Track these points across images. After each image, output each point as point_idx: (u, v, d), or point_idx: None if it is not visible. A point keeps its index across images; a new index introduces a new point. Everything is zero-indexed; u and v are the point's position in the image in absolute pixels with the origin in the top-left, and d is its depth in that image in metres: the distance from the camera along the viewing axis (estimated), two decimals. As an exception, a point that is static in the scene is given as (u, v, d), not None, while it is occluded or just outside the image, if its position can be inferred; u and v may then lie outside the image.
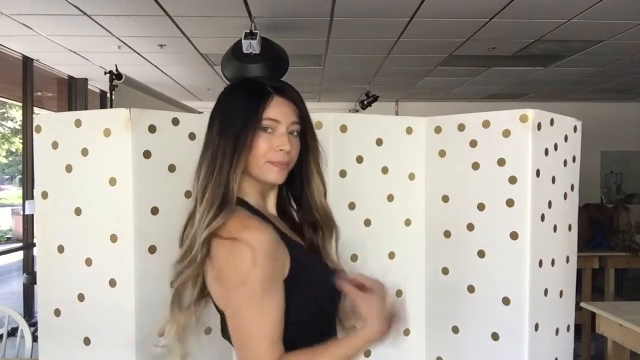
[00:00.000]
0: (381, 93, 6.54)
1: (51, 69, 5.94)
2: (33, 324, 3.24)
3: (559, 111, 1.68)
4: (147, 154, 1.52)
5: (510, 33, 4.40)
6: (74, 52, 5.15)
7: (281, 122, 1.08)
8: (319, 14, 3.91)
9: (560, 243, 1.71)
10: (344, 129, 1.69)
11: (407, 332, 1.77)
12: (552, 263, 1.66)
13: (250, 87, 1.12)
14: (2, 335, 2.55)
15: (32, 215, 5.03)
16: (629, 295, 5.12)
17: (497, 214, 1.61)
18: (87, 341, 1.57)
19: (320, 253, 1.17)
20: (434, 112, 2.08)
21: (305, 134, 1.13)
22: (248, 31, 3.68)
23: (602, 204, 5.77)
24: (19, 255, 5.93)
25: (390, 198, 1.75)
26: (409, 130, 1.76)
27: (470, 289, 1.67)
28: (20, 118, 5.87)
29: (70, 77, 6.36)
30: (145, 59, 5.35)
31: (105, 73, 3.52)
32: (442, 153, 1.73)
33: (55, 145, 1.59)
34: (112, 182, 1.52)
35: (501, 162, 1.60)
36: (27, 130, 5.35)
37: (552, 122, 1.64)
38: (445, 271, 1.73)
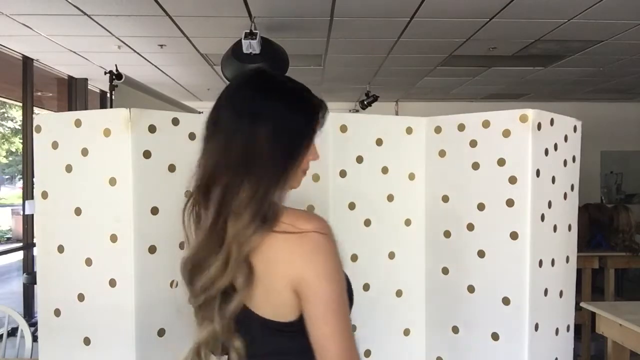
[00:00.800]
0: (381, 93, 6.55)
1: (51, 69, 5.94)
2: (33, 324, 3.25)
3: (559, 111, 1.68)
4: (147, 154, 1.52)
5: (510, 33, 4.40)
6: (74, 52, 5.16)
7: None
8: (319, 14, 3.91)
9: (560, 243, 1.71)
10: (344, 129, 1.69)
11: (407, 332, 1.77)
12: (552, 263, 1.66)
13: (308, 97, 1.07)
14: (2, 335, 2.55)
15: (32, 215, 5.03)
16: (629, 295, 5.12)
17: (497, 214, 1.61)
18: (87, 341, 1.57)
19: None
20: (434, 112, 2.08)
21: None
22: (248, 31, 3.68)
23: (602, 204, 5.77)
24: (19, 255, 5.93)
25: (390, 198, 1.75)
26: (409, 130, 1.76)
27: (470, 289, 1.67)
28: (20, 118, 5.87)
29: (70, 77, 6.36)
30: (145, 59, 5.36)
31: (105, 73, 3.52)
32: (442, 153, 1.73)
33: (55, 145, 1.59)
34: (112, 182, 1.52)
35: (501, 162, 1.60)
36: (27, 130, 5.35)
37: (552, 122, 1.64)
38: (445, 271, 1.73)
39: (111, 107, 3.53)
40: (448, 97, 7.68)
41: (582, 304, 2.97)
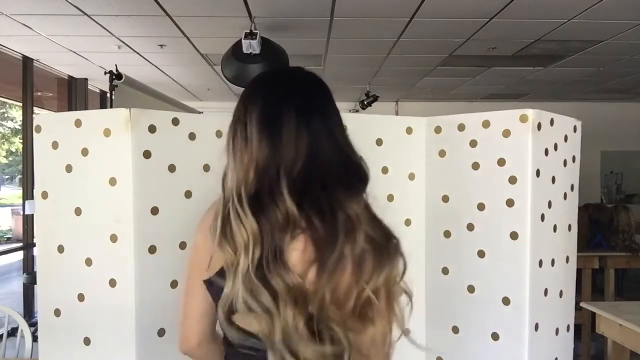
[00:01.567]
0: (381, 93, 6.55)
1: (51, 69, 5.95)
2: (33, 324, 3.25)
3: (559, 111, 1.68)
4: (147, 154, 1.52)
5: (510, 33, 4.40)
6: (74, 52, 5.16)
7: None
8: (319, 14, 3.92)
9: (560, 243, 1.71)
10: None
11: (407, 332, 1.77)
12: (552, 263, 1.66)
13: None
14: (2, 335, 2.55)
15: (32, 215, 5.03)
16: (629, 295, 5.13)
17: (497, 214, 1.61)
18: (87, 341, 1.57)
19: None
20: (434, 112, 2.08)
21: None
22: (248, 31, 3.68)
23: (602, 204, 5.77)
24: (19, 255, 5.94)
25: (390, 198, 1.75)
26: (409, 130, 1.76)
27: (470, 289, 1.67)
28: (20, 118, 5.87)
29: (70, 77, 6.36)
30: (145, 59, 5.36)
31: (105, 73, 3.52)
32: (442, 153, 1.73)
33: (55, 145, 1.59)
34: (112, 182, 1.52)
35: (501, 162, 1.60)
36: (27, 130, 5.35)
37: (552, 122, 1.64)
38: (445, 271, 1.73)
39: (111, 107, 3.53)
40: (448, 97, 7.68)
41: (582, 304, 2.97)
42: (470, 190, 1.67)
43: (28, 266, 5.45)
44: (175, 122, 1.58)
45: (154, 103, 4.03)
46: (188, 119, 1.63)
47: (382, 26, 4.24)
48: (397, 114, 8.00)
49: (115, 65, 3.50)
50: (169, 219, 1.55)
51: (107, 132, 1.52)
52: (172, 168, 1.57)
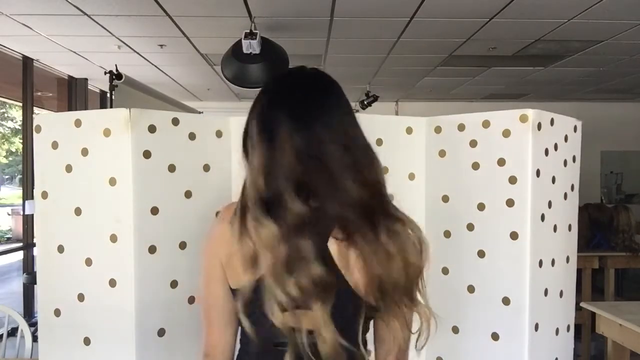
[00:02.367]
0: (381, 93, 6.55)
1: (51, 69, 5.95)
2: (33, 324, 3.25)
3: (559, 111, 1.68)
4: (147, 154, 1.52)
5: (510, 33, 4.40)
6: (74, 52, 5.16)
7: None
8: (319, 14, 3.92)
9: (560, 243, 1.71)
10: (344, 129, 1.69)
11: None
12: (552, 263, 1.66)
13: None
14: (2, 335, 2.55)
15: (32, 215, 5.03)
16: (629, 295, 5.13)
17: (497, 214, 1.61)
18: (87, 341, 1.57)
19: None
20: (434, 112, 2.08)
21: None
22: (248, 31, 3.68)
23: (602, 204, 5.77)
24: (19, 255, 5.94)
25: (390, 198, 1.75)
26: (409, 130, 1.76)
27: (470, 289, 1.67)
28: (20, 118, 5.87)
29: (70, 77, 6.36)
30: (145, 59, 5.36)
31: (105, 73, 3.52)
32: (442, 153, 1.73)
33: (55, 145, 1.59)
34: (112, 182, 1.52)
35: (501, 162, 1.60)
36: (27, 130, 5.35)
37: (552, 122, 1.64)
38: (445, 271, 1.73)
39: (111, 107, 3.53)
40: (448, 97, 7.68)
41: (582, 304, 2.97)
42: (470, 190, 1.67)
43: (28, 266, 5.45)
44: (175, 122, 1.58)
45: (154, 103, 4.03)
46: (188, 119, 1.63)
47: (382, 26, 4.24)
48: (397, 114, 8.00)
49: (115, 65, 3.50)
50: (169, 219, 1.55)
51: (107, 132, 1.52)
52: (172, 168, 1.57)
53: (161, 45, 4.86)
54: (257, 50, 3.74)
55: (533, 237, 1.56)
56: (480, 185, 1.65)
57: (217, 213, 1.16)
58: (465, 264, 1.68)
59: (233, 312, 1.08)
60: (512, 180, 1.58)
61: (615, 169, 8.38)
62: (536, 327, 1.59)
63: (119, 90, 3.45)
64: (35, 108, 5.58)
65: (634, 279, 5.60)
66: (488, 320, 1.63)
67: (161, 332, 1.56)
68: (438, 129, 1.74)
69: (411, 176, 1.76)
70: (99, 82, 6.70)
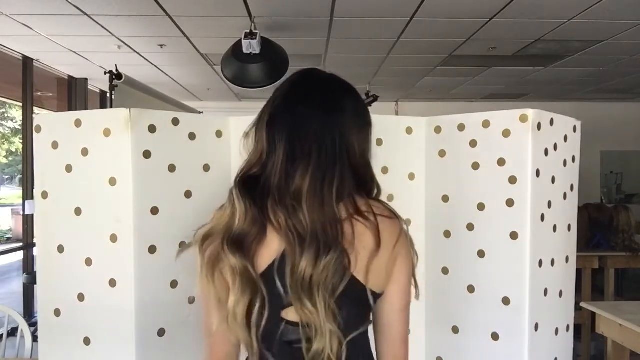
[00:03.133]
0: (381, 93, 6.54)
1: (51, 69, 5.95)
2: (33, 324, 3.25)
3: (559, 111, 1.68)
4: (147, 154, 1.52)
5: (510, 33, 4.40)
6: (74, 52, 5.16)
7: None
8: (319, 14, 3.92)
9: (560, 243, 1.71)
10: (344, 129, 1.69)
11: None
12: (552, 263, 1.66)
13: None
14: (2, 335, 2.55)
15: (32, 215, 5.03)
16: (629, 295, 5.13)
17: (497, 214, 1.61)
18: (87, 341, 1.57)
19: None
20: (434, 112, 2.08)
21: None
22: (248, 31, 3.68)
23: (602, 204, 5.78)
24: (19, 255, 5.94)
25: (390, 198, 1.74)
26: (409, 130, 1.76)
27: (470, 289, 1.67)
28: (20, 118, 5.87)
29: (70, 77, 6.36)
30: (145, 59, 5.36)
31: (105, 73, 3.52)
32: (442, 153, 1.73)
33: (55, 145, 1.59)
34: (112, 182, 1.52)
35: (501, 162, 1.60)
36: (27, 130, 5.35)
37: (552, 122, 1.64)
38: (445, 271, 1.73)
39: (111, 107, 3.53)
40: (448, 97, 7.68)
41: (582, 304, 2.97)
42: (470, 190, 1.67)
43: (28, 266, 5.45)
44: (175, 122, 1.58)
45: (154, 103, 4.04)
46: (188, 119, 1.63)
47: (382, 26, 4.24)
48: (397, 114, 8.00)
49: (115, 65, 3.50)
50: (169, 219, 1.55)
51: (107, 132, 1.52)
52: (172, 168, 1.57)
53: (161, 45, 4.86)
54: (257, 50, 3.74)
55: (533, 237, 1.56)
56: (480, 185, 1.65)
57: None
58: (465, 264, 1.68)
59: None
60: (512, 180, 1.58)
61: (615, 169, 8.38)
62: (536, 327, 1.59)
63: (119, 90, 3.45)
64: (35, 108, 5.58)
65: (634, 279, 5.60)
66: (488, 320, 1.63)
67: (161, 332, 1.56)
68: (438, 129, 1.74)
69: (411, 176, 1.76)
70: (99, 82, 6.70)
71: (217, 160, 1.64)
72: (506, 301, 1.59)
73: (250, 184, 1.06)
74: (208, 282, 1.06)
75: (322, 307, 0.98)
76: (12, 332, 3.38)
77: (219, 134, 1.66)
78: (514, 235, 1.58)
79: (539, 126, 1.57)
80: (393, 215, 1.10)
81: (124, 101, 3.44)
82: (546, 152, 1.61)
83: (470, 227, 1.67)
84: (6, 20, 4.07)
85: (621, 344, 2.59)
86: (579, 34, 4.42)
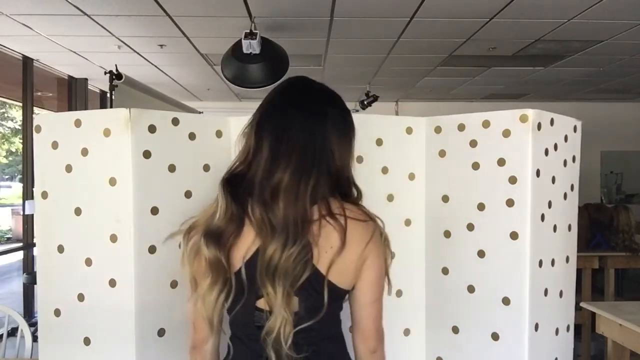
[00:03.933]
0: (381, 93, 6.55)
1: (51, 69, 5.95)
2: (33, 324, 3.25)
3: (559, 111, 1.68)
4: (147, 154, 1.52)
5: (510, 33, 4.40)
6: (74, 52, 5.16)
7: None
8: (319, 14, 3.92)
9: (560, 243, 1.71)
10: (344, 129, 1.69)
11: (407, 332, 1.77)
12: (552, 263, 1.66)
13: None
14: (2, 335, 2.55)
15: (32, 215, 5.03)
16: (629, 295, 5.13)
17: (497, 214, 1.61)
18: (87, 341, 1.57)
19: None
20: (434, 112, 2.08)
21: None
22: (248, 31, 3.68)
23: (602, 204, 5.77)
24: (19, 255, 5.94)
25: (390, 198, 1.75)
26: (409, 130, 1.76)
27: (470, 289, 1.67)
28: (20, 118, 5.87)
29: (70, 77, 6.36)
30: (145, 59, 5.36)
31: (105, 73, 3.52)
32: (442, 153, 1.73)
33: (55, 145, 1.59)
34: (112, 182, 1.52)
35: (501, 162, 1.60)
36: (27, 130, 5.35)
37: (552, 122, 1.64)
38: (445, 271, 1.73)
39: (111, 107, 3.53)
40: (448, 97, 7.68)
41: (582, 304, 2.97)
42: (470, 190, 1.67)
43: (28, 266, 5.45)
44: (175, 122, 1.58)
45: (154, 103, 4.04)
46: (188, 119, 1.63)
47: (382, 26, 4.24)
48: (397, 114, 8.00)
49: (115, 65, 3.50)
50: (169, 219, 1.55)
51: (107, 132, 1.52)
52: (172, 168, 1.57)
53: (161, 45, 4.86)
54: (257, 50, 3.74)
55: (533, 237, 1.56)
56: (480, 185, 1.65)
57: None
58: (465, 264, 1.68)
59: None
60: (512, 180, 1.58)
61: (615, 169, 8.38)
62: (536, 327, 1.59)
63: (119, 90, 3.45)
64: (35, 108, 5.58)
65: (634, 279, 5.60)
66: (488, 320, 1.63)
67: (161, 332, 1.56)
68: (438, 129, 1.74)
69: (411, 176, 1.76)
70: (99, 82, 6.70)
71: (217, 160, 1.64)
72: (506, 301, 1.59)
73: (235, 181, 1.16)
74: (187, 265, 1.17)
75: (280, 293, 1.07)
76: (12, 332, 3.38)
77: (219, 134, 1.66)
78: (514, 235, 1.58)
79: (539, 126, 1.57)
80: (368, 218, 1.16)
81: (124, 101, 3.44)
82: (546, 152, 1.61)
83: (470, 227, 1.67)
84: (6, 20, 4.07)
85: (621, 344, 2.59)
86: (579, 34, 4.42)
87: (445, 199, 1.72)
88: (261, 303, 1.14)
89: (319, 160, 1.13)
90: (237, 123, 1.66)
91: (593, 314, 2.87)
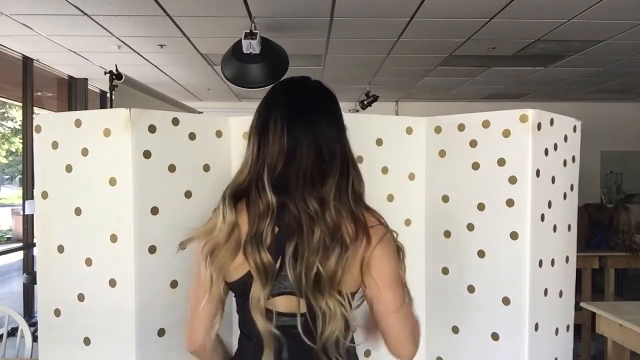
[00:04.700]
0: (381, 93, 6.55)
1: (51, 69, 5.95)
2: (33, 324, 3.25)
3: (559, 111, 1.68)
4: (147, 154, 1.52)
5: (510, 33, 4.40)
6: (74, 52, 5.16)
7: None
8: (319, 14, 3.92)
9: (560, 243, 1.71)
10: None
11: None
12: (552, 263, 1.66)
13: None
14: (2, 335, 2.55)
15: (32, 215, 5.03)
16: (629, 295, 5.13)
17: (497, 214, 1.61)
18: (87, 341, 1.57)
19: None
20: (434, 112, 2.08)
21: None
22: (248, 31, 3.68)
23: (602, 204, 5.77)
24: (19, 255, 5.94)
25: (390, 198, 1.75)
26: (409, 130, 1.76)
27: (470, 289, 1.67)
28: (20, 118, 5.87)
29: (70, 77, 6.36)
30: (145, 59, 5.36)
31: (105, 73, 3.52)
32: (442, 153, 1.73)
33: (55, 145, 1.59)
34: (112, 182, 1.52)
35: (501, 162, 1.60)
36: (27, 130, 5.35)
37: (552, 122, 1.64)
38: (445, 271, 1.73)
39: (111, 107, 3.53)
40: (448, 97, 7.68)
41: (582, 304, 2.97)
42: (470, 190, 1.67)
43: (28, 266, 5.45)
44: (175, 122, 1.58)
45: (154, 103, 4.04)
46: (188, 119, 1.63)
47: (382, 26, 4.24)
48: (397, 114, 8.00)
49: (115, 65, 3.50)
50: (169, 219, 1.55)
51: (107, 132, 1.52)
52: (172, 168, 1.57)
53: (161, 45, 4.86)
54: (257, 50, 3.74)
55: (533, 237, 1.56)
56: (480, 185, 1.65)
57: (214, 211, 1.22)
58: (465, 264, 1.68)
59: (219, 301, 1.21)
60: (512, 180, 1.58)
61: (615, 169, 8.38)
62: (536, 327, 1.59)
63: (119, 90, 3.45)
64: (35, 108, 5.58)
65: (634, 279, 5.60)
66: (488, 320, 1.63)
67: (161, 332, 1.56)
68: (438, 129, 1.74)
69: (411, 176, 1.76)
70: (99, 82, 6.70)
71: (217, 160, 1.64)
72: (506, 301, 1.59)
73: (237, 194, 1.16)
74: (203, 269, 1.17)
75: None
76: (12, 332, 3.38)
77: (219, 134, 1.66)
78: (514, 235, 1.58)
79: (539, 126, 1.57)
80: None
81: (124, 101, 3.44)
82: (546, 152, 1.61)
83: (470, 227, 1.67)
84: (6, 20, 4.07)
85: (621, 344, 2.59)
86: (579, 34, 4.42)
87: (445, 199, 1.72)
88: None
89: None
90: (237, 123, 1.66)
91: (593, 314, 2.87)
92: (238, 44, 3.77)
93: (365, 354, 1.70)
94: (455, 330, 1.71)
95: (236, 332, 1.31)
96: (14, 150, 14.89)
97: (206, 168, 1.62)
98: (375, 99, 6.43)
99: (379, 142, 1.73)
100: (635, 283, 5.58)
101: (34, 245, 5.08)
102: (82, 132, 1.56)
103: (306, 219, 1.10)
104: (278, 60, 3.89)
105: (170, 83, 6.54)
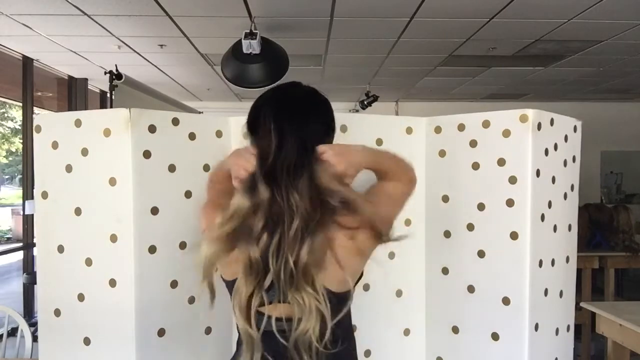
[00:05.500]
0: (381, 93, 6.54)
1: (51, 69, 5.94)
2: (33, 324, 3.25)
3: (559, 111, 1.68)
4: (147, 154, 1.52)
5: (510, 33, 4.40)
6: (74, 52, 5.16)
7: None
8: (319, 14, 3.92)
9: (560, 243, 1.71)
10: (344, 129, 1.69)
11: (407, 332, 1.77)
12: (552, 263, 1.66)
13: None
14: (2, 335, 2.55)
15: (32, 215, 5.03)
16: (629, 295, 5.13)
17: (497, 214, 1.61)
18: (87, 341, 1.57)
19: None
20: (434, 112, 2.08)
21: None
22: (248, 31, 3.68)
23: (602, 204, 5.77)
24: (19, 255, 5.94)
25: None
26: (409, 130, 1.76)
27: (470, 289, 1.67)
28: (20, 118, 5.87)
29: (70, 77, 6.36)
30: (145, 59, 5.36)
31: (105, 73, 3.52)
32: (442, 153, 1.73)
33: (55, 145, 1.59)
34: (112, 182, 1.52)
35: (501, 162, 1.60)
36: (27, 130, 5.35)
37: (552, 122, 1.64)
38: (445, 271, 1.73)
39: (111, 107, 3.53)
40: (448, 97, 7.68)
41: (582, 304, 2.97)
42: (470, 190, 1.67)
43: (28, 266, 5.44)
44: (175, 122, 1.58)
45: (154, 103, 4.03)
46: (188, 119, 1.63)
47: (382, 26, 4.24)
48: (397, 114, 8.00)
49: (115, 65, 3.50)
50: (169, 219, 1.55)
51: (107, 132, 1.52)
52: (172, 168, 1.57)
53: (161, 45, 4.86)
54: (257, 50, 3.74)
55: (533, 237, 1.56)
56: (480, 185, 1.65)
57: None
58: (465, 264, 1.68)
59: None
60: (512, 180, 1.58)
61: (615, 169, 8.37)
62: (536, 327, 1.59)
63: (119, 90, 3.45)
64: (35, 108, 5.58)
65: (634, 279, 5.60)
66: (488, 320, 1.63)
67: (161, 332, 1.56)
68: (438, 129, 1.74)
69: (411, 176, 1.76)
70: (99, 82, 6.70)
71: (217, 160, 1.64)
72: (506, 301, 1.59)
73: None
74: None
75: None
76: (12, 332, 3.38)
77: (219, 134, 1.66)
78: (514, 235, 1.58)
79: (539, 126, 1.57)
80: None
81: (124, 101, 3.43)
82: (546, 152, 1.61)
83: (470, 227, 1.67)
84: (6, 20, 4.07)
85: (621, 344, 2.59)
86: (579, 34, 4.42)
87: (445, 199, 1.72)
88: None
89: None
90: (237, 123, 1.66)
91: (593, 314, 2.87)
92: (238, 44, 3.77)
93: (365, 354, 1.70)
94: (455, 330, 1.71)
95: (236, 333, 1.31)
96: (14, 150, 14.88)
97: (206, 168, 1.62)
98: (375, 99, 6.43)
99: (379, 142, 1.73)
100: (635, 283, 5.58)
101: (34, 245, 5.08)
102: (82, 132, 1.56)
103: (288, 212, 1.10)
104: (278, 60, 3.89)
105: (170, 83, 6.54)
